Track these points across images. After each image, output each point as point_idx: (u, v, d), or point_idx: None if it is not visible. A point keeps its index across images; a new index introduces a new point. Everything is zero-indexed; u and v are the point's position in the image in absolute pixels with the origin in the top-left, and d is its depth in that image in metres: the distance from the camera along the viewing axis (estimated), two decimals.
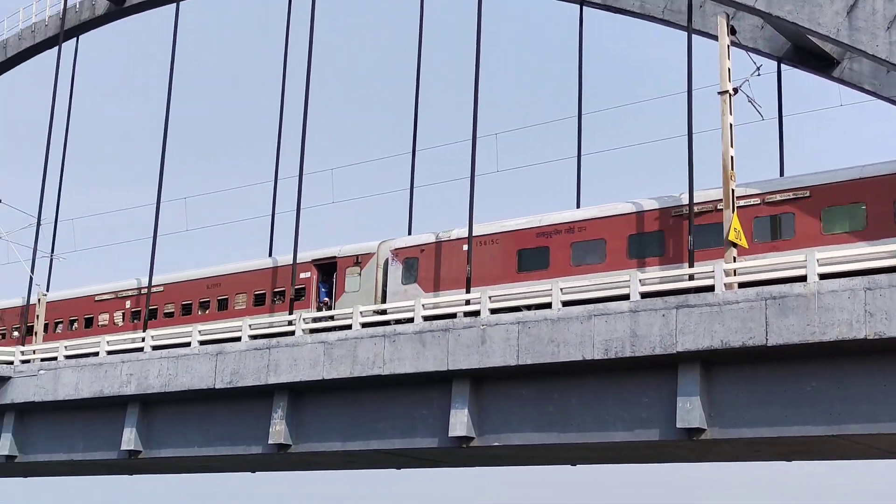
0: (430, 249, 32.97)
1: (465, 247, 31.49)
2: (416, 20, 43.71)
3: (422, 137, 42.96)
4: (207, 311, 38.15)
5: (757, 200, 28.27)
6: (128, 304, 39.87)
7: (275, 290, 36.46)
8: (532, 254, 30.13)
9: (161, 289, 39.96)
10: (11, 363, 41.00)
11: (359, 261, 34.84)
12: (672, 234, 29.78)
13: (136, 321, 39.87)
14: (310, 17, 41.35)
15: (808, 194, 27.65)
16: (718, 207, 27.92)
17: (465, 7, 37.09)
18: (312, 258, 36.44)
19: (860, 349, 23.24)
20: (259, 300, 36.72)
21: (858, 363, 23.95)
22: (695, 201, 28.79)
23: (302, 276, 35.70)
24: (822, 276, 23.83)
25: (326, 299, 34.73)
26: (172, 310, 39.64)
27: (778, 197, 28.36)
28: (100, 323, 41.08)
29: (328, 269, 35.99)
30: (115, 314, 40.76)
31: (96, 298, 42.08)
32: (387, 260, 34.26)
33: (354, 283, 34.41)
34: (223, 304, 37.46)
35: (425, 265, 32.50)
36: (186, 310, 38.78)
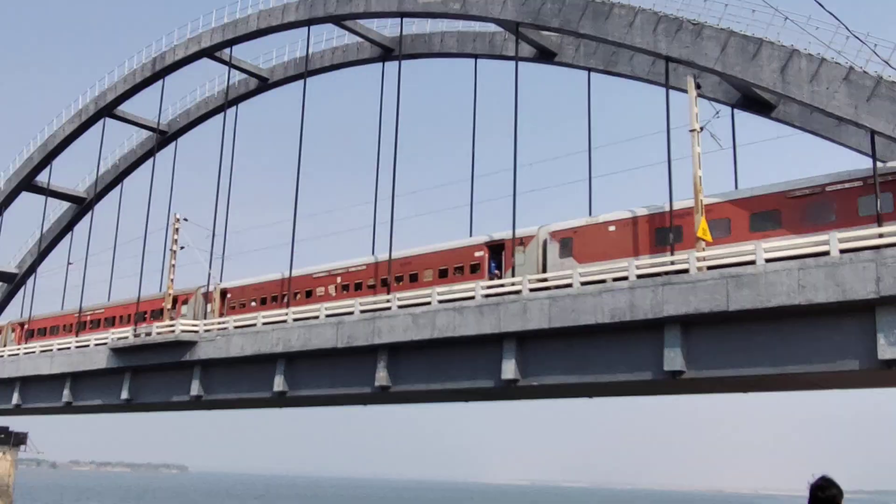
0: (581, 231, 32.04)
1: (612, 228, 31.04)
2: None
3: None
4: (401, 284, 37.73)
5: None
6: (339, 279, 40.90)
7: (455, 267, 36.11)
8: (666, 231, 29.03)
9: (363, 267, 40.40)
10: (196, 332, 42.15)
11: (522, 242, 34.06)
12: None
13: (344, 292, 40.43)
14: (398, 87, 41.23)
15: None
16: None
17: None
18: (485, 241, 35.99)
19: (795, 312, 24.67)
20: (443, 274, 36.42)
21: (794, 322, 25.29)
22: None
23: (476, 254, 35.48)
24: (768, 261, 25.08)
25: (497, 272, 34.81)
26: (373, 283, 39.50)
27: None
28: (317, 294, 41.75)
29: (497, 250, 35.28)
30: (329, 287, 41.34)
31: (314, 276, 42.61)
32: (545, 240, 33.47)
33: (520, 259, 33.71)
34: (413, 278, 37.50)
35: (579, 243, 31.51)
36: (384, 283, 38.23)
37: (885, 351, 22.82)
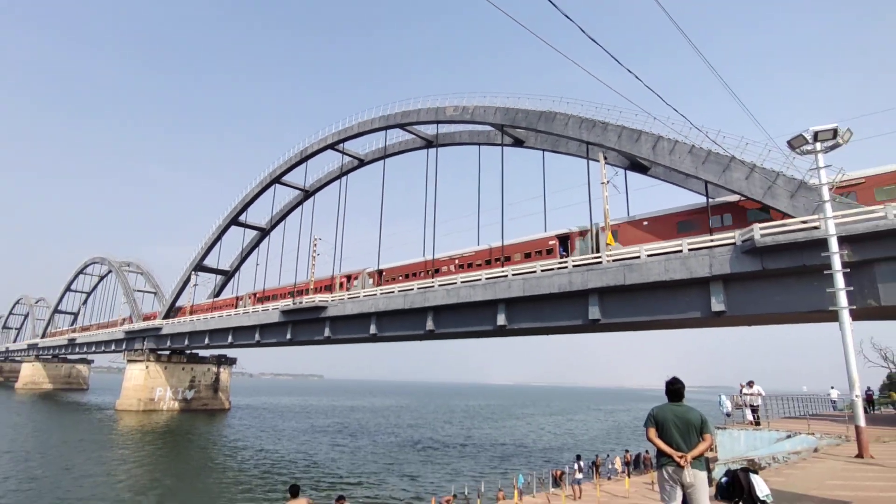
0: (624, 225, 28.36)
1: (646, 223, 27.52)
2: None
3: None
4: (500, 263, 33.67)
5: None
6: (456, 261, 36.75)
7: (535, 251, 32.10)
8: (685, 224, 26.13)
9: (472, 253, 36.25)
10: (326, 301, 41.60)
11: (583, 234, 30.66)
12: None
13: (461, 268, 36.50)
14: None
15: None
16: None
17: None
18: (555, 234, 32.20)
19: (663, 285, 24.34)
20: (527, 256, 32.51)
21: (663, 291, 24.89)
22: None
23: (550, 243, 31.57)
24: (648, 255, 24.55)
25: (564, 253, 30.58)
26: (480, 263, 35.40)
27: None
28: (442, 271, 37.64)
29: (564, 239, 31.68)
30: (450, 266, 37.19)
31: (439, 259, 38.23)
32: (597, 231, 30.08)
33: (581, 246, 30.25)
34: (508, 259, 33.28)
35: (623, 233, 28.14)
36: (487, 263, 34.44)
37: (715, 306, 22.67)
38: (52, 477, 29.60)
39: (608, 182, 27.74)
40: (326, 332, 42.20)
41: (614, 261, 25.80)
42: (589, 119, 29.12)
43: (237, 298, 63.61)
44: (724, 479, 12.23)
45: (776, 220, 21.51)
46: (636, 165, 31.34)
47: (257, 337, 51.06)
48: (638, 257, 24.96)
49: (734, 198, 24.67)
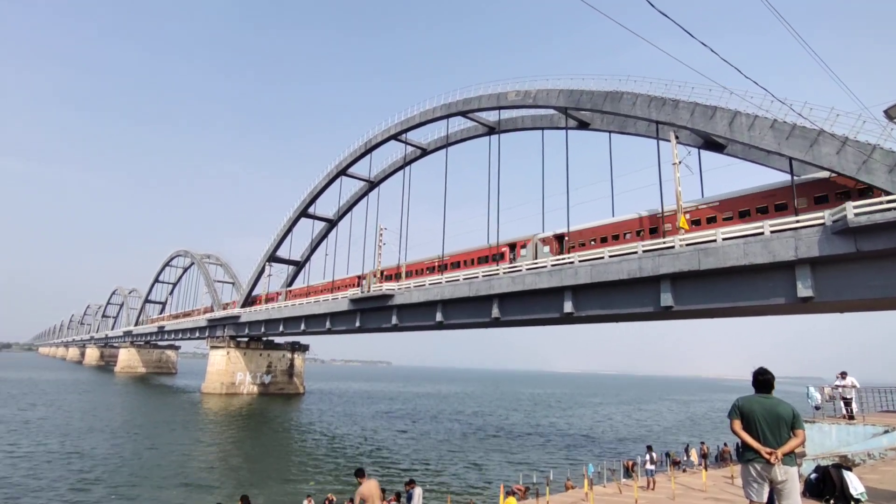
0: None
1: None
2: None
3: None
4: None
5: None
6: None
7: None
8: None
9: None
10: (393, 290, 42.52)
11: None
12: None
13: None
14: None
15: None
16: None
17: None
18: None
19: (742, 270, 22.98)
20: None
21: (741, 276, 23.38)
22: None
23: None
24: (724, 239, 23.36)
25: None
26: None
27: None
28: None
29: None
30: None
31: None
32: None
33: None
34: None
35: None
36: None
37: (802, 292, 21.32)
38: (137, 452, 32.26)
39: (680, 162, 26.41)
40: (394, 320, 43.06)
41: (687, 245, 24.67)
42: (658, 97, 27.77)
43: (308, 288, 66.14)
44: (813, 476, 11.51)
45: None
46: (711, 144, 29.67)
47: (328, 324, 53.00)
48: (714, 241, 23.74)
49: (823, 174, 22.88)
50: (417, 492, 15.38)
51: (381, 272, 48.18)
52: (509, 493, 21.44)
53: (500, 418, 64.04)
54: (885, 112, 14.79)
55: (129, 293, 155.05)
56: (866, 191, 21.29)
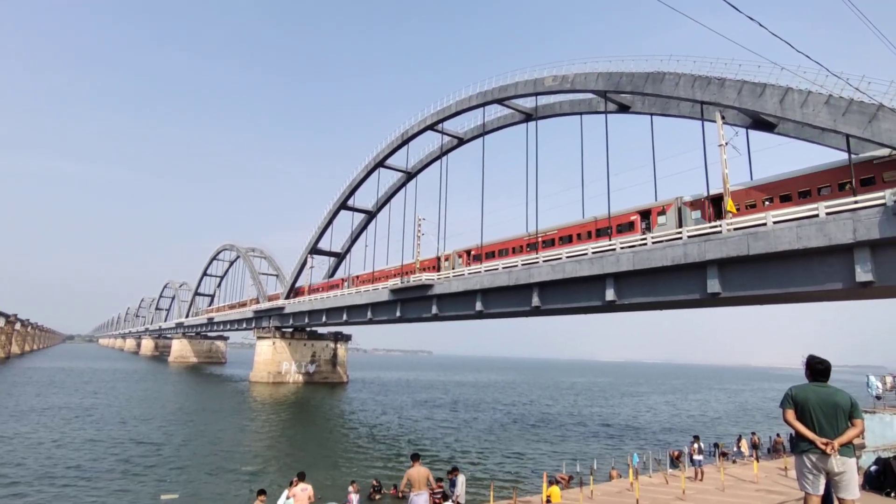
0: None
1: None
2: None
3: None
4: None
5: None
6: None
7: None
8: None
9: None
10: (433, 279, 42.66)
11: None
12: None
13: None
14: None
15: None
16: None
17: None
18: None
19: (795, 254, 22.06)
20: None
21: (794, 260, 22.40)
22: None
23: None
24: (775, 222, 22.39)
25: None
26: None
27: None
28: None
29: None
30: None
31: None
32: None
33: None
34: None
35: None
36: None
37: (861, 276, 20.31)
38: (190, 438, 33.71)
39: (727, 144, 25.31)
40: (434, 310, 43.36)
41: (735, 229, 23.80)
42: (703, 76, 26.69)
43: (355, 278, 67.09)
44: (873, 468, 11.05)
45: None
46: (760, 123, 28.29)
47: (369, 315, 53.86)
48: (764, 224, 22.82)
49: (882, 152, 21.59)
50: (461, 479, 15.57)
51: (468, 251, 45.19)
52: (552, 482, 21.41)
53: (541, 407, 63.80)
54: None
55: (180, 286, 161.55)
56: None
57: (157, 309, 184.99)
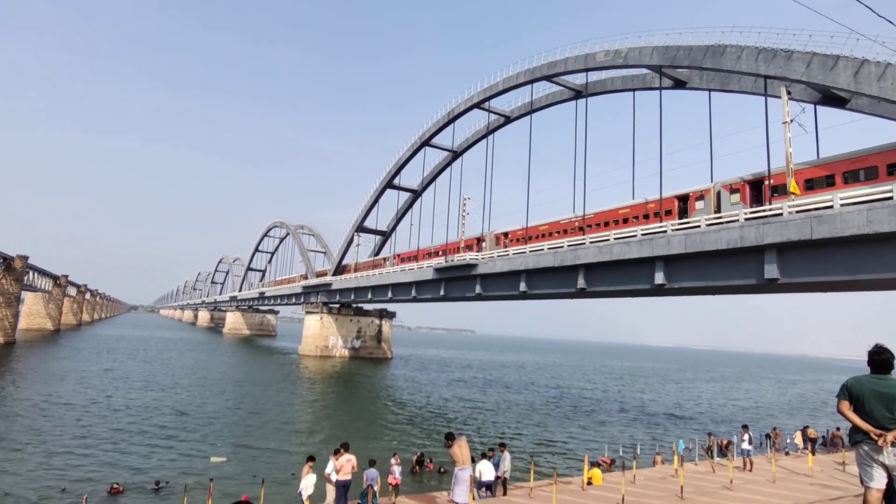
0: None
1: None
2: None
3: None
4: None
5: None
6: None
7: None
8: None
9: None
10: (477, 259, 42.55)
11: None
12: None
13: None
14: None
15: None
16: None
17: None
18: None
19: (864, 239, 20.80)
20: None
21: (863, 245, 21.26)
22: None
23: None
24: (843, 205, 21.03)
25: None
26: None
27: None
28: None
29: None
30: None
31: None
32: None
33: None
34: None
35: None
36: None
37: None
38: (242, 404, 35.24)
39: (792, 121, 23.68)
40: (477, 289, 43.35)
41: (798, 212, 22.48)
42: (768, 48, 25.02)
43: (396, 256, 67.91)
44: None
45: None
46: (830, 99, 26.33)
47: (413, 293, 54.46)
48: (830, 207, 21.43)
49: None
50: (507, 456, 15.65)
51: (506, 234, 44.97)
52: (594, 464, 21.22)
53: (583, 391, 63.20)
54: None
55: (234, 262, 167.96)
56: None
57: (212, 282, 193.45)
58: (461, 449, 11.12)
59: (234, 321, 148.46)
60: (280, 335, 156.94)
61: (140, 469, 20.27)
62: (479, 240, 47.62)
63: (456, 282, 46.99)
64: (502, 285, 41.38)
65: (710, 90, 32.89)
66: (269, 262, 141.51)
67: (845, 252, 21.73)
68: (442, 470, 21.77)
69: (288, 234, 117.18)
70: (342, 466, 12.75)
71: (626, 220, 33.01)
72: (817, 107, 26.80)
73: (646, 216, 32.01)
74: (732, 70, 27.17)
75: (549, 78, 43.64)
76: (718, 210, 27.23)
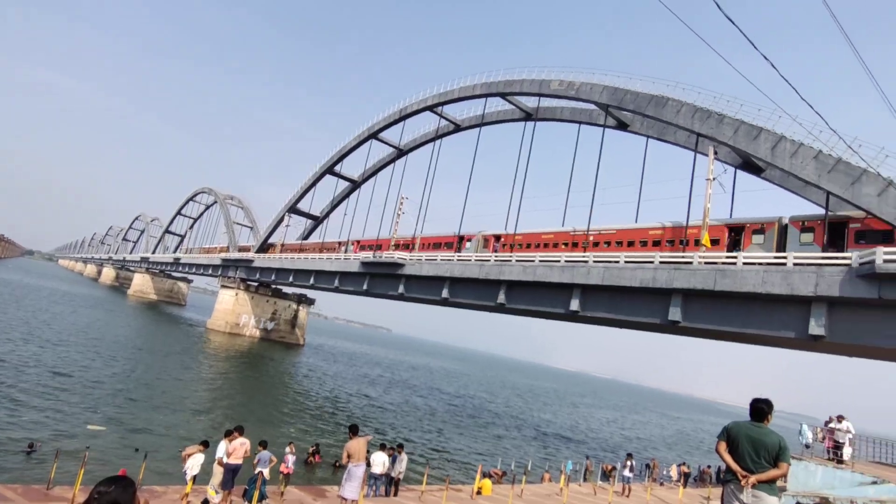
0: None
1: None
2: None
3: None
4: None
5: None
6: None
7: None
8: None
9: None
10: (405, 258, 42.15)
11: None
12: None
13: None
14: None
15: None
16: None
17: None
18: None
19: (758, 297, 22.50)
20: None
21: (757, 303, 23.01)
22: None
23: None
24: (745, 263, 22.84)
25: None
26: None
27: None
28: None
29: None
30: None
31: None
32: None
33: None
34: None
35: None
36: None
37: (814, 329, 20.80)
38: (133, 372, 33.03)
39: (714, 179, 25.52)
40: (401, 289, 43.02)
41: (706, 263, 24.11)
42: (704, 109, 26.82)
43: (339, 244, 66.14)
44: None
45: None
46: (749, 165, 28.58)
47: (336, 283, 53.31)
48: (734, 263, 23.18)
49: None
50: (403, 457, 15.56)
51: (497, 237, 39.98)
52: (486, 475, 21.58)
53: (487, 402, 64.44)
54: None
55: (151, 221, 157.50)
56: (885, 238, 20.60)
57: (124, 240, 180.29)
58: (359, 445, 10.95)
59: (141, 283, 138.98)
60: (189, 305, 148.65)
61: (9, 426, 18.40)
62: (462, 238, 42.89)
63: (381, 278, 46.48)
64: (426, 289, 41.34)
65: (648, 136, 34.66)
66: (191, 227, 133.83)
67: (741, 306, 23.45)
68: (337, 464, 21.36)
69: (215, 202, 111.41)
70: (235, 450, 12.17)
71: (657, 243, 29.11)
72: (737, 170, 28.99)
73: (683, 242, 27.67)
74: (671, 122, 28.78)
75: (503, 95, 44.42)
76: (782, 248, 24.25)
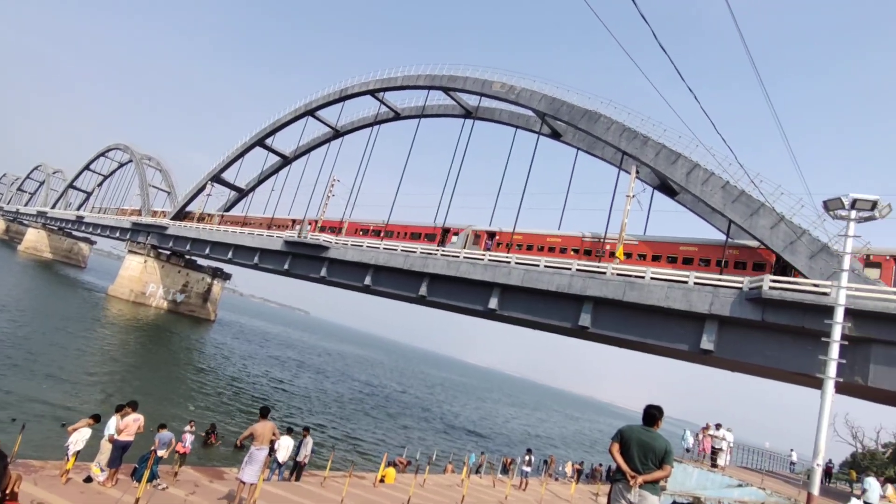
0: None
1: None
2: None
3: None
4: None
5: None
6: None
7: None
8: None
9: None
10: (330, 241, 41.28)
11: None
12: None
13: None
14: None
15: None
16: None
17: None
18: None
19: (660, 311, 24.06)
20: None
21: (658, 316, 24.52)
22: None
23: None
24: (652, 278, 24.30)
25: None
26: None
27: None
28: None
29: None
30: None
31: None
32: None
33: None
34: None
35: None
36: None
37: (705, 344, 22.49)
38: (14, 335, 30.16)
39: (633, 197, 27.03)
40: (323, 272, 42.10)
41: (618, 275, 25.49)
42: (632, 129, 28.30)
43: (245, 218, 63.45)
44: None
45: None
46: (666, 187, 30.50)
47: (256, 260, 51.26)
48: (642, 277, 24.65)
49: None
50: (309, 441, 15.26)
51: (491, 233, 35.45)
52: (391, 464, 21.66)
53: (397, 392, 64.66)
54: (825, 203, 15.70)
55: (54, 173, 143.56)
56: (784, 269, 22.78)
57: (19, 190, 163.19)
58: (265, 429, 10.62)
59: (35, 240, 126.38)
60: (90, 268, 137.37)
61: None
62: (447, 231, 38.02)
63: (303, 259, 45.21)
64: (348, 274, 40.69)
65: (578, 148, 35.98)
66: (99, 185, 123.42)
67: (644, 318, 24.98)
68: (239, 443, 20.59)
69: (131, 160, 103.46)
70: (127, 426, 11.37)
71: (575, 251, 30.10)
72: (655, 190, 30.84)
73: (720, 262, 25.53)
74: (600, 137, 30.07)
75: (446, 90, 44.43)
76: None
